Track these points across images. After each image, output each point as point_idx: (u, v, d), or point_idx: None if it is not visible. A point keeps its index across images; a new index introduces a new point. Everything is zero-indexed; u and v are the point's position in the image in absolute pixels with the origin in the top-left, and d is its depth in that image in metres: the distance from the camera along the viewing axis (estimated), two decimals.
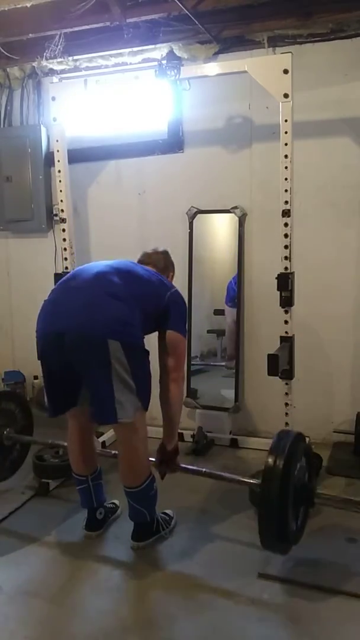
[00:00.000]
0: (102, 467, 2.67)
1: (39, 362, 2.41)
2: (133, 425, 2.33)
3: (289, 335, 2.87)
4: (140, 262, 2.66)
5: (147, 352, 2.35)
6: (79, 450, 2.59)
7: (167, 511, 2.66)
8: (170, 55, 3.36)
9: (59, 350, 2.27)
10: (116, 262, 2.47)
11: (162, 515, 2.61)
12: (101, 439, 3.54)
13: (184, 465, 2.62)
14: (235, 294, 3.61)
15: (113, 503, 2.77)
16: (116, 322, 2.23)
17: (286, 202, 2.77)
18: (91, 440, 2.65)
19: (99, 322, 2.21)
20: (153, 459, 2.52)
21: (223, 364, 3.91)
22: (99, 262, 2.49)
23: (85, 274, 2.39)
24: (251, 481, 2.47)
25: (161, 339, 2.44)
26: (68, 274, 2.56)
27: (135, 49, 3.41)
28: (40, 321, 2.38)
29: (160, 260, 2.69)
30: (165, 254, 2.75)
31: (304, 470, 2.25)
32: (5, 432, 2.93)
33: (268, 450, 2.14)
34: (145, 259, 2.69)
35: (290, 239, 2.80)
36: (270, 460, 2.09)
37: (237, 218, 3.52)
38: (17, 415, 3.02)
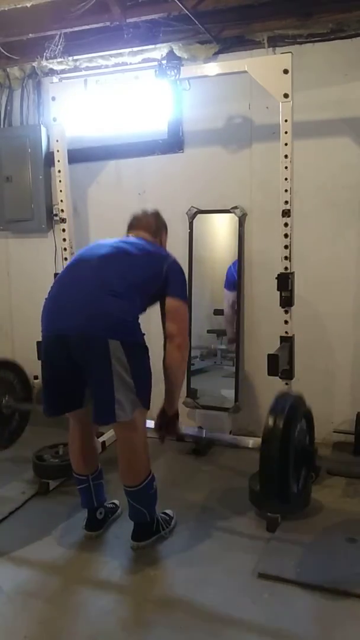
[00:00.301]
0: (102, 467, 2.67)
1: (40, 362, 2.41)
2: (133, 424, 2.34)
3: (289, 335, 2.87)
4: (130, 226, 2.67)
5: (147, 349, 2.35)
6: (80, 450, 2.59)
7: (167, 511, 2.66)
8: (170, 55, 3.36)
9: (63, 351, 2.29)
10: (113, 247, 2.44)
11: (163, 515, 2.60)
12: (101, 439, 3.55)
13: (183, 432, 2.67)
14: (235, 280, 3.61)
15: (113, 503, 2.77)
16: (116, 322, 2.23)
17: (286, 202, 2.77)
18: (92, 440, 2.65)
19: (99, 322, 2.22)
20: (152, 431, 2.54)
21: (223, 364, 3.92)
22: (98, 249, 2.45)
23: (85, 266, 2.40)
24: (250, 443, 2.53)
25: (162, 307, 2.45)
26: (68, 263, 2.57)
27: (135, 49, 3.41)
28: (43, 321, 2.39)
29: (152, 224, 2.67)
30: (156, 215, 2.73)
31: (304, 433, 2.20)
32: (4, 401, 2.85)
33: (268, 412, 2.08)
34: (136, 223, 2.68)
35: (290, 239, 2.80)
36: (270, 421, 2.04)
37: (237, 218, 3.52)
38: (16, 385, 2.95)
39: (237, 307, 3.58)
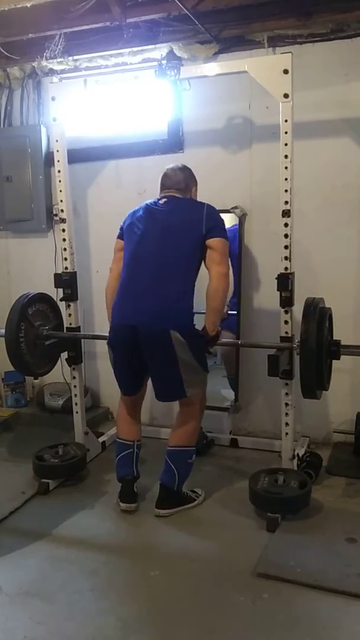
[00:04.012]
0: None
1: (110, 347, 2.78)
2: (188, 402, 2.74)
3: (289, 335, 2.87)
4: (162, 186, 2.84)
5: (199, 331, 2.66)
6: (130, 416, 2.88)
7: (197, 489, 2.88)
8: (170, 55, 3.36)
9: (131, 340, 2.63)
10: (164, 228, 2.68)
11: (191, 492, 2.83)
12: (101, 439, 3.55)
13: (223, 341, 3.04)
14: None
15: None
16: (175, 314, 2.59)
17: (286, 202, 2.77)
18: (138, 412, 2.94)
19: (161, 316, 2.57)
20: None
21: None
22: (153, 232, 2.71)
23: (146, 256, 2.68)
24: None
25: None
26: (134, 253, 2.75)
27: (135, 49, 3.41)
28: (114, 310, 2.75)
29: (181, 182, 2.82)
30: (184, 169, 2.86)
31: (329, 331, 2.74)
32: (44, 332, 3.19)
33: (302, 316, 2.64)
34: (167, 182, 2.84)
35: (290, 239, 2.80)
36: (305, 323, 2.60)
37: (237, 218, 3.52)
38: (49, 314, 3.31)
39: (237, 307, 3.58)
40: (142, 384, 2.86)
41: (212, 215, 2.69)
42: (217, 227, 2.68)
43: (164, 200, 2.78)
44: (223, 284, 2.64)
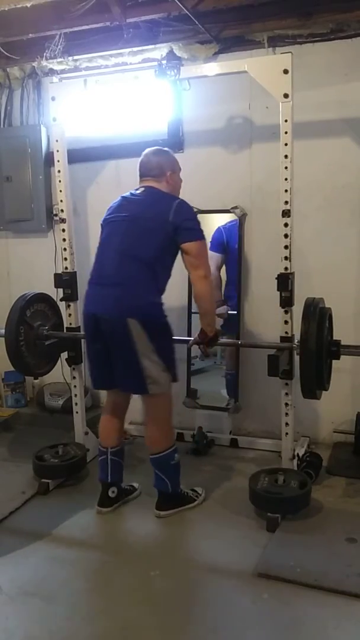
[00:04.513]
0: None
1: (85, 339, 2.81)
2: (163, 396, 2.63)
3: (289, 335, 2.87)
4: (140, 175, 2.76)
5: (168, 326, 2.60)
6: (105, 422, 2.83)
7: (197, 488, 2.86)
8: (170, 55, 3.36)
9: (97, 330, 2.61)
10: (130, 221, 2.63)
11: (191, 491, 2.82)
12: None
13: (222, 341, 3.02)
14: (224, 241, 3.62)
15: (131, 485, 2.90)
16: (135, 303, 2.50)
17: (286, 202, 2.77)
18: (120, 418, 2.85)
19: (120, 304, 2.51)
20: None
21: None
22: (119, 226, 2.65)
23: (110, 245, 2.65)
24: (285, 345, 2.86)
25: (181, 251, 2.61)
26: (101, 242, 2.74)
27: (135, 49, 3.41)
28: (84, 302, 2.72)
29: (154, 168, 2.72)
30: (157, 153, 2.75)
31: (328, 330, 2.74)
32: (44, 331, 3.20)
33: (302, 316, 2.63)
34: (142, 170, 2.75)
35: (290, 239, 2.80)
36: (305, 324, 2.59)
37: (237, 218, 3.52)
38: (49, 313, 3.30)
39: (237, 307, 3.58)
40: (112, 379, 2.70)
41: (181, 213, 2.58)
42: (189, 229, 2.57)
43: (140, 190, 2.71)
44: (204, 287, 2.59)
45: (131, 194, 2.73)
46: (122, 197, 2.75)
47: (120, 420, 2.85)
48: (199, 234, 2.59)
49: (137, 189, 2.74)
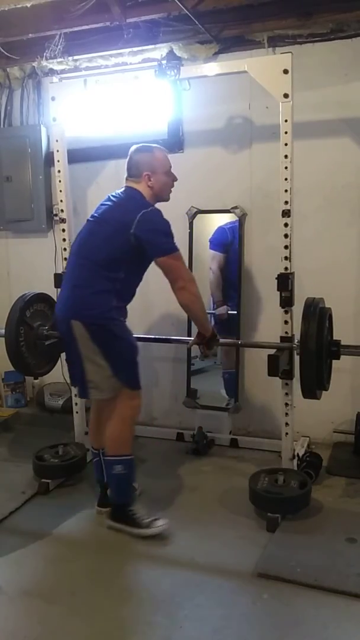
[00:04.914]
0: None
1: None
2: (113, 402, 2.55)
3: (289, 335, 2.87)
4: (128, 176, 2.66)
5: (121, 332, 2.50)
6: (93, 424, 2.79)
7: (159, 521, 2.55)
8: (170, 55, 3.36)
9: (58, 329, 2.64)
10: (95, 222, 2.59)
11: (145, 516, 2.56)
12: None
13: (222, 341, 2.95)
14: (227, 240, 3.60)
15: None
16: (80, 304, 2.47)
17: (286, 202, 2.77)
18: (106, 418, 2.73)
19: (67, 305, 2.51)
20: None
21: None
22: (87, 228, 2.64)
23: (74, 245, 2.63)
24: (285, 345, 2.85)
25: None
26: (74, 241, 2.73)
27: (135, 49, 3.41)
28: None
29: (132, 167, 2.61)
30: (138, 151, 2.62)
31: (328, 331, 2.74)
32: (44, 331, 3.17)
33: (302, 316, 2.63)
34: (127, 171, 2.64)
35: (290, 239, 2.80)
36: (305, 325, 2.59)
37: (237, 218, 3.52)
38: (48, 313, 3.27)
39: (237, 307, 3.58)
40: None
41: (144, 226, 2.44)
42: (154, 244, 2.46)
43: (121, 190, 2.63)
44: (186, 297, 2.52)
45: (113, 194, 2.64)
46: (108, 196, 2.67)
47: (106, 421, 2.72)
48: (166, 248, 2.47)
49: (120, 189, 2.65)
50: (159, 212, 2.53)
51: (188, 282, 2.52)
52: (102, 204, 2.65)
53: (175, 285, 2.50)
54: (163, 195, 2.66)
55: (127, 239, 2.44)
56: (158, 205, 2.62)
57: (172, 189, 2.70)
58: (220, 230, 3.66)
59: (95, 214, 2.63)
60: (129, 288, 2.59)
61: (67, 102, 3.25)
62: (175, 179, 2.70)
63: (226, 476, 3.15)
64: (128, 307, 2.90)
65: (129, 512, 2.57)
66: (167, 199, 2.69)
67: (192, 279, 2.56)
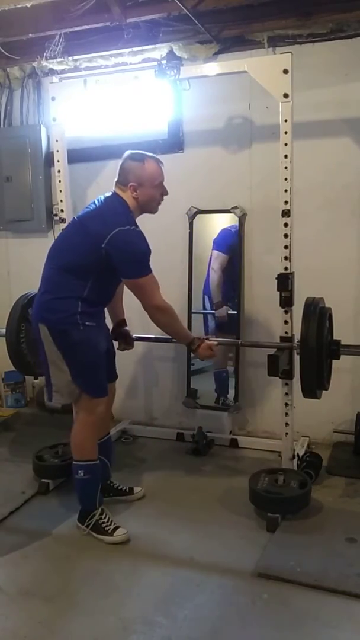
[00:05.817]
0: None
1: None
2: (76, 408, 2.60)
3: (289, 335, 2.87)
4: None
5: (84, 335, 2.45)
6: None
7: (120, 530, 2.54)
8: (170, 55, 3.36)
9: None
10: (73, 224, 2.63)
11: (112, 526, 2.55)
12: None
13: (217, 342, 2.88)
14: (232, 242, 3.60)
15: (130, 487, 2.85)
16: (47, 307, 2.49)
17: (286, 202, 2.77)
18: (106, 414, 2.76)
19: (35, 310, 2.55)
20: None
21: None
22: (65, 230, 2.76)
23: (47, 259, 2.64)
24: (285, 345, 2.84)
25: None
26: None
27: (135, 49, 3.41)
28: None
29: (121, 173, 2.57)
30: (128, 159, 2.57)
31: (328, 330, 2.75)
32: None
33: (302, 316, 2.64)
34: (117, 173, 2.60)
35: (290, 239, 2.80)
36: (305, 323, 2.61)
37: (237, 218, 3.52)
38: None
39: (237, 307, 3.58)
40: None
41: (116, 244, 2.38)
42: (125, 265, 2.43)
43: (108, 194, 2.58)
44: (158, 317, 2.51)
45: (99, 198, 2.59)
46: (95, 199, 2.61)
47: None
48: (136, 271, 2.43)
49: (108, 192, 2.59)
50: (135, 232, 2.44)
51: (159, 302, 2.48)
52: (87, 206, 2.63)
53: (148, 312, 2.51)
54: (149, 208, 2.60)
55: (98, 251, 2.40)
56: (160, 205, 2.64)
57: (160, 203, 2.63)
58: (226, 231, 3.67)
59: (76, 217, 2.65)
60: (101, 293, 2.56)
61: (67, 102, 3.25)
62: (165, 192, 2.61)
63: (226, 476, 3.15)
64: (127, 307, 2.90)
65: (92, 517, 2.55)
66: (153, 212, 2.63)
67: (157, 305, 2.48)
